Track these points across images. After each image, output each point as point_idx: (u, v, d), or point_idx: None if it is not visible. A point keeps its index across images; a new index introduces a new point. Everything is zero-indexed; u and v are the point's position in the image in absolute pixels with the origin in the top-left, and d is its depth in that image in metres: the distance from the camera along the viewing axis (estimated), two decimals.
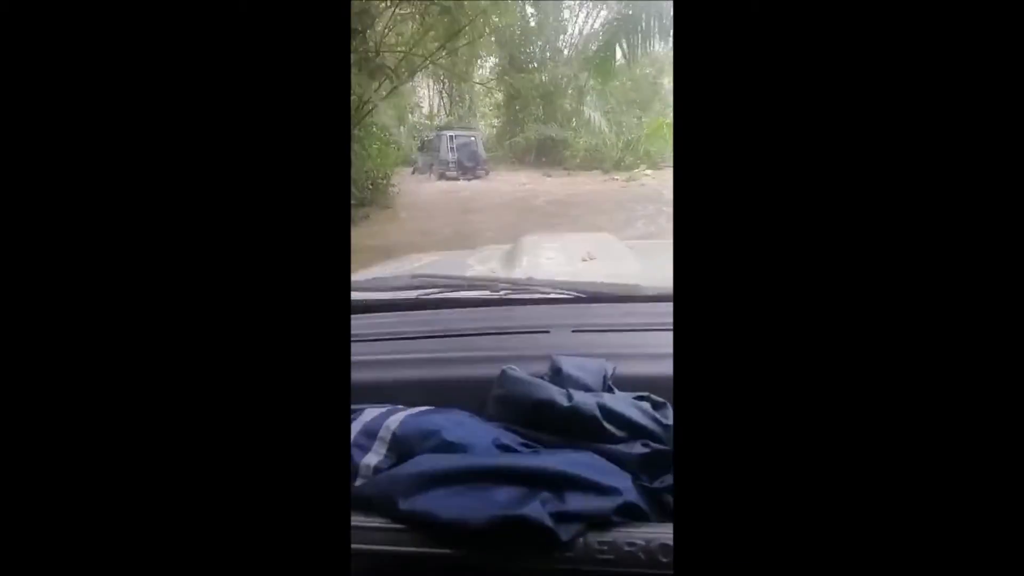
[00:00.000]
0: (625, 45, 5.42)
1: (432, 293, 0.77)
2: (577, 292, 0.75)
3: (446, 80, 13.08)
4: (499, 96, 12.35)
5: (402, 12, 6.18)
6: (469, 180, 8.28)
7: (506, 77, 11.12)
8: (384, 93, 5.90)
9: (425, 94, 13.87)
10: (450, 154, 8.42)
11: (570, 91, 10.74)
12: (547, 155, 10.70)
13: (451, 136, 8.58)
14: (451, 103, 13.64)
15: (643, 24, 5.16)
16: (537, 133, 10.36)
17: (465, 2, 5.94)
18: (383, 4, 5.69)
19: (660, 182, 7.61)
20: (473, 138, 8.97)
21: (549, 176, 9.37)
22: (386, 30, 5.95)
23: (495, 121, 12.80)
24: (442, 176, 8.43)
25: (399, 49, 6.18)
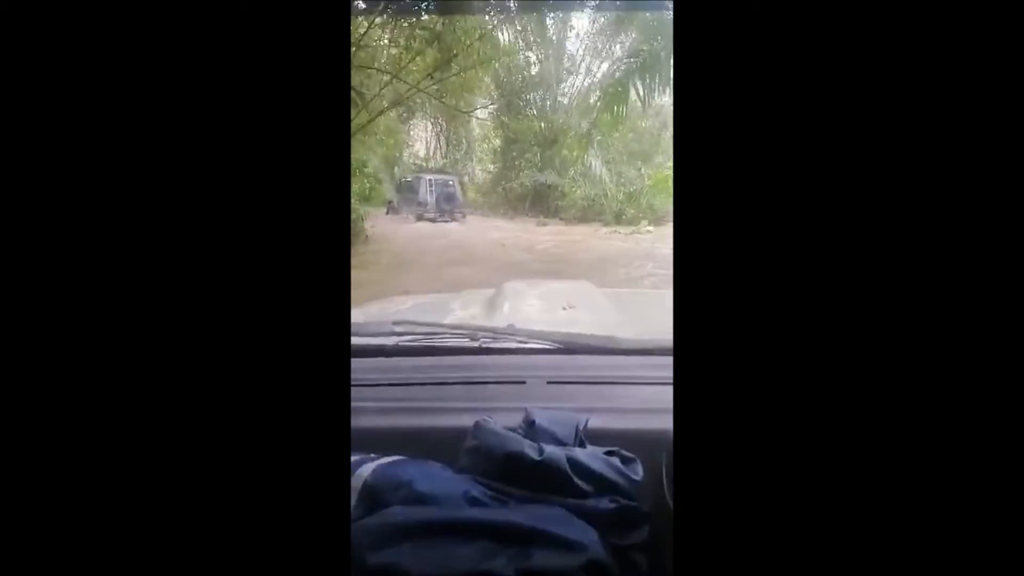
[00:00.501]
0: (640, 87, 5.71)
1: (412, 340, 0.83)
2: (555, 343, 0.82)
3: (443, 122, 14.05)
4: (496, 141, 13.16)
5: (383, 34, 6.14)
6: (447, 222, 9.21)
7: (503, 119, 11.83)
8: (363, 122, 5.95)
9: (422, 136, 14.78)
10: (429, 196, 9.33)
11: (569, 138, 11.21)
12: (542, 203, 11.54)
13: (430, 180, 9.51)
14: (447, 146, 14.58)
15: (661, 64, 5.40)
16: (532, 180, 10.75)
17: (456, 26, 5.90)
18: (362, 21, 5.65)
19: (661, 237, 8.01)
20: (451, 182, 9.96)
21: (544, 225, 9.70)
22: (361, 50, 5.95)
23: (491, 166, 13.49)
24: (420, 217, 9.21)
25: (375, 68, 6.12)
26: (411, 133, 14.90)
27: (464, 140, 14.46)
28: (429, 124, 14.37)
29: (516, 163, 12.15)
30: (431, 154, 14.91)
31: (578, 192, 10.78)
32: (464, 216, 9.63)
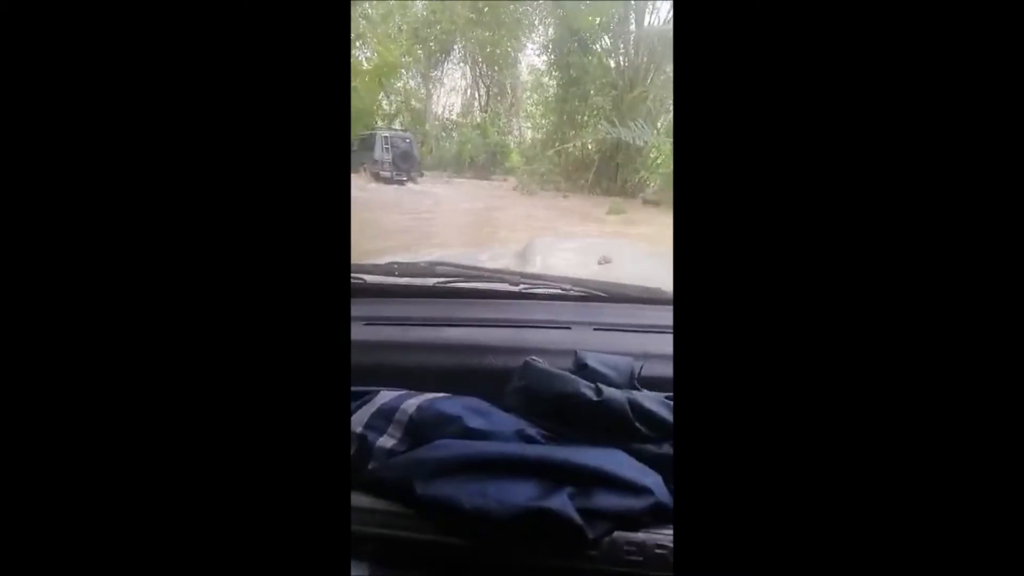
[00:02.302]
0: None
1: (450, 282, 1.04)
2: (599, 290, 1.00)
3: (483, 65, 14.62)
4: (551, 86, 12.89)
5: None
6: (403, 181, 10.63)
7: (562, 54, 10.67)
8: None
9: (461, 85, 15.56)
10: (384, 154, 10.89)
11: (660, 81, 9.58)
12: (613, 173, 10.00)
13: (386, 137, 11.13)
14: (488, 96, 15.19)
15: None
16: (606, 135, 9.15)
17: None
18: None
19: None
20: (408, 139, 11.45)
21: (619, 213, 8.20)
22: None
23: (543, 122, 13.42)
24: (376, 176, 10.70)
25: None
26: (443, 79, 15.65)
27: (509, 88, 15.02)
28: (467, 68, 15.12)
29: (577, 115, 10.98)
30: (468, 106, 15.64)
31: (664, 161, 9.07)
32: (421, 175, 11.23)
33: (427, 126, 15.25)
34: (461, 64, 15.44)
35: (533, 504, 0.46)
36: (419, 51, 14.67)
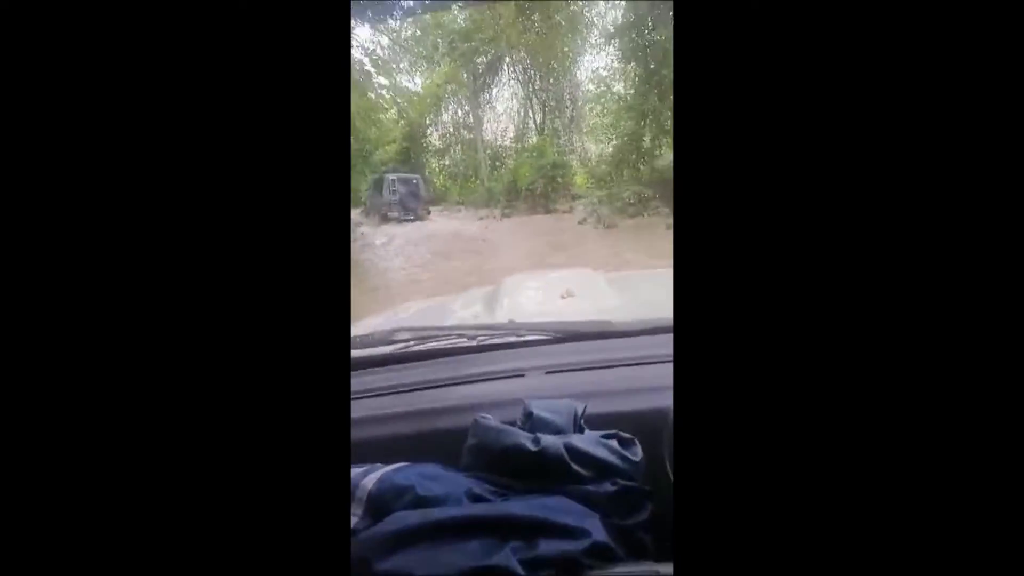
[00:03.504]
0: None
1: (409, 346, 1.27)
2: (552, 332, 1.24)
3: (538, 78, 15.14)
4: (621, 85, 13.19)
5: None
6: (411, 220, 13.35)
7: (641, 30, 11.19)
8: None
9: (512, 107, 16.40)
10: (391, 195, 13.78)
11: None
12: None
13: (393, 179, 14.05)
14: (543, 113, 15.74)
15: None
16: None
17: None
18: None
19: None
20: (415, 180, 14.42)
21: None
22: None
23: (612, 135, 13.84)
24: (384, 218, 13.59)
25: None
26: (494, 103, 16.52)
27: (568, 99, 15.50)
28: (518, 85, 15.84)
29: (662, 115, 11.34)
30: (522, 128, 16.22)
31: None
32: (428, 213, 14.03)
33: (477, 155, 16.05)
34: (512, 82, 16.26)
35: (480, 564, 0.58)
36: (464, 75, 15.66)
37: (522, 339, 1.26)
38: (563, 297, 2.03)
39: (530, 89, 15.77)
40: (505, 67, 15.92)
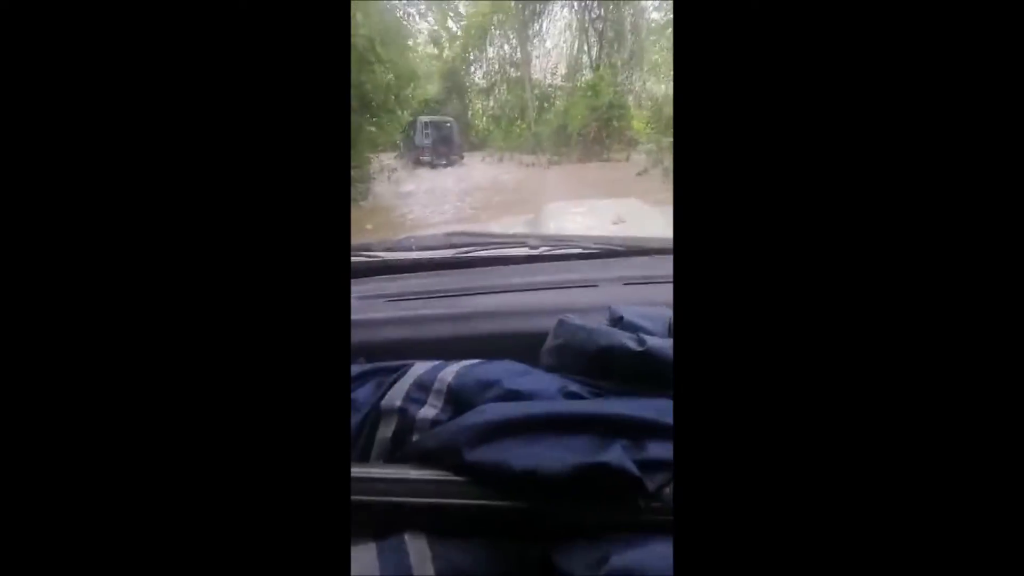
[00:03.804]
0: None
1: (468, 251, 1.25)
2: (620, 245, 1.22)
3: (597, 7, 14.31)
4: None
5: None
6: (444, 166, 13.86)
7: None
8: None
9: (567, 39, 15.64)
10: (424, 139, 14.23)
11: None
12: None
13: (425, 122, 14.32)
14: (600, 47, 14.83)
15: None
16: None
17: None
18: None
19: None
20: (448, 123, 14.77)
21: None
22: None
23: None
24: (416, 162, 14.09)
25: None
26: (544, 36, 15.99)
27: (630, 32, 14.69)
28: (572, 15, 15.13)
29: None
30: (575, 65, 15.51)
31: None
32: (462, 159, 14.55)
33: (524, 96, 15.54)
34: (564, 11, 15.46)
35: (587, 460, 0.54)
36: (511, 3, 15.12)
37: (589, 250, 1.23)
38: (614, 223, 2.00)
39: (586, 18, 14.96)
40: None
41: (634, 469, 0.54)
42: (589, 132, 12.71)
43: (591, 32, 15.13)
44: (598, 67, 14.64)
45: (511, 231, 2.15)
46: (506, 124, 16.31)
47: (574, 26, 15.44)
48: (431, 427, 0.64)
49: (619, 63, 14.57)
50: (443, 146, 14.21)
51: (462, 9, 16.53)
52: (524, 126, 15.35)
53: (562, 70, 15.88)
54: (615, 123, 12.92)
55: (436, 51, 16.90)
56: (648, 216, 1.99)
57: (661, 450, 0.57)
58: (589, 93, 13.37)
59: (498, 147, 15.24)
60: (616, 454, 0.55)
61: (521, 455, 0.56)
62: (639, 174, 10.27)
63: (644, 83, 14.83)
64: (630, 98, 14.08)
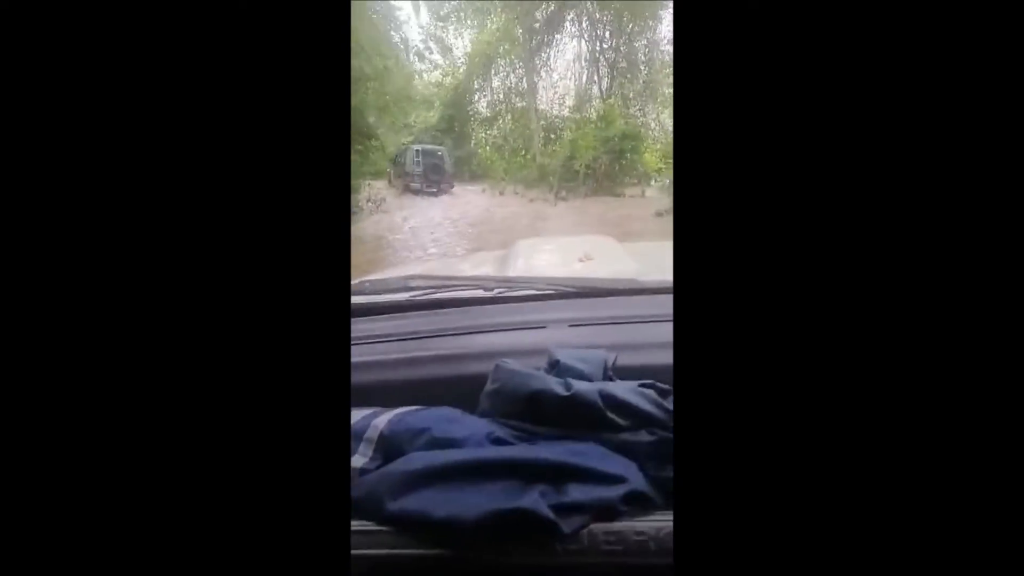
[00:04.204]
0: None
1: (424, 294, 1.34)
2: (573, 287, 1.29)
3: (609, 35, 14.58)
4: None
5: None
6: (434, 193, 14.92)
7: None
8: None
9: (575, 70, 15.91)
10: (415, 167, 15.42)
11: None
12: None
13: (417, 149, 15.73)
14: (612, 77, 15.18)
15: None
16: None
17: None
18: None
19: None
20: (439, 152, 16.04)
21: None
22: None
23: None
24: (407, 189, 15.33)
25: None
26: (553, 64, 16.17)
27: (643, 61, 14.97)
28: (582, 43, 15.31)
29: None
30: (584, 96, 15.73)
31: None
32: (452, 187, 15.67)
33: (531, 127, 15.65)
34: (575, 41, 15.70)
35: (504, 506, 0.60)
36: (519, 31, 15.29)
37: (542, 292, 1.33)
38: (581, 261, 2.10)
39: (597, 48, 15.27)
40: (568, 22, 15.50)
41: (549, 513, 0.60)
42: (600, 165, 12.54)
43: (602, 62, 15.39)
44: (609, 97, 14.90)
45: (479, 267, 2.30)
46: (509, 154, 16.35)
47: (583, 57, 15.67)
48: (359, 476, 0.70)
49: (631, 94, 14.84)
50: (433, 174, 15.33)
51: (466, 36, 16.82)
52: (529, 156, 15.35)
53: (569, 101, 16.13)
54: (628, 155, 12.79)
55: (439, 78, 17.19)
56: (614, 254, 2.11)
57: (579, 492, 0.63)
58: (601, 123, 13.26)
59: (500, 177, 15.23)
60: (532, 499, 0.61)
61: (441, 503, 0.61)
62: (658, 214, 9.91)
63: (658, 116, 14.99)
64: (643, 131, 14.07)
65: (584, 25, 15.57)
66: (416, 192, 14.98)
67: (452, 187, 15.71)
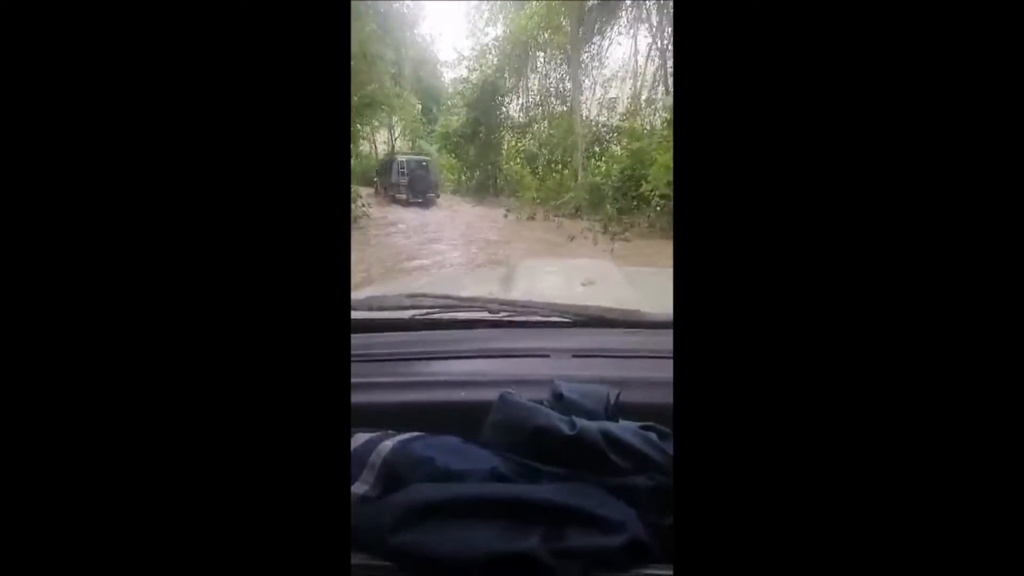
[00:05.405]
0: None
1: (428, 313, 1.54)
2: (577, 316, 1.51)
3: (664, 24, 14.14)
4: None
5: None
6: (419, 204, 18.23)
7: None
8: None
9: (629, 67, 15.95)
10: (400, 178, 18.97)
11: None
12: None
13: (402, 161, 19.44)
14: (665, 69, 14.53)
15: None
16: None
17: None
18: None
19: None
20: (424, 163, 19.88)
21: None
22: None
23: None
24: (393, 200, 18.79)
25: None
26: (604, 59, 16.38)
27: None
28: (637, 34, 15.29)
29: None
30: (639, 85, 15.66)
31: None
32: (437, 198, 19.12)
33: (573, 136, 15.41)
34: (630, 31, 15.69)
35: (504, 548, 0.70)
36: (563, 20, 15.39)
37: (547, 319, 1.55)
38: (583, 285, 2.55)
39: (661, 42, 15.04)
40: (624, 11, 15.57)
41: (548, 559, 0.70)
42: (659, 197, 11.68)
43: (665, 57, 15.04)
44: (670, 90, 14.09)
45: (482, 284, 2.74)
46: (543, 168, 16.35)
47: (640, 50, 15.60)
48: (360, 504, 0.81)
49: None
50: (419, 184, 18.72)
51: (499, 24, 17.07)
52: (568, 172, 15.23)
53: (621, 107, 16.22)
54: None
55: (464, 73, 17.61)
56: (614, 279, 2.54)
57: (579, 539, 0.73)
58: (661, 137, 11.88)
59: (531, 197, 14.89)
60: (533, 543, 0.71)
61: (441, 540, 0.72)
62: None
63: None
64: None
65: (644, 11, 15.51)
66: (404, 204, 18.11)
67: (437, 197, 19.06)
